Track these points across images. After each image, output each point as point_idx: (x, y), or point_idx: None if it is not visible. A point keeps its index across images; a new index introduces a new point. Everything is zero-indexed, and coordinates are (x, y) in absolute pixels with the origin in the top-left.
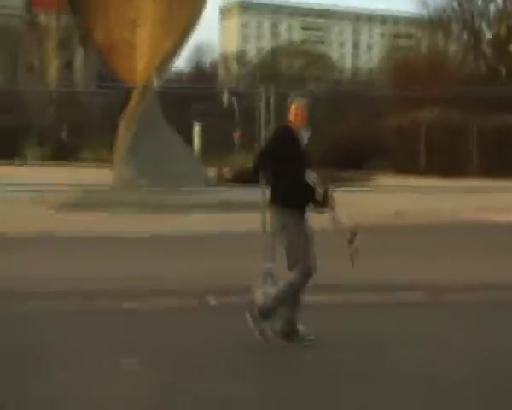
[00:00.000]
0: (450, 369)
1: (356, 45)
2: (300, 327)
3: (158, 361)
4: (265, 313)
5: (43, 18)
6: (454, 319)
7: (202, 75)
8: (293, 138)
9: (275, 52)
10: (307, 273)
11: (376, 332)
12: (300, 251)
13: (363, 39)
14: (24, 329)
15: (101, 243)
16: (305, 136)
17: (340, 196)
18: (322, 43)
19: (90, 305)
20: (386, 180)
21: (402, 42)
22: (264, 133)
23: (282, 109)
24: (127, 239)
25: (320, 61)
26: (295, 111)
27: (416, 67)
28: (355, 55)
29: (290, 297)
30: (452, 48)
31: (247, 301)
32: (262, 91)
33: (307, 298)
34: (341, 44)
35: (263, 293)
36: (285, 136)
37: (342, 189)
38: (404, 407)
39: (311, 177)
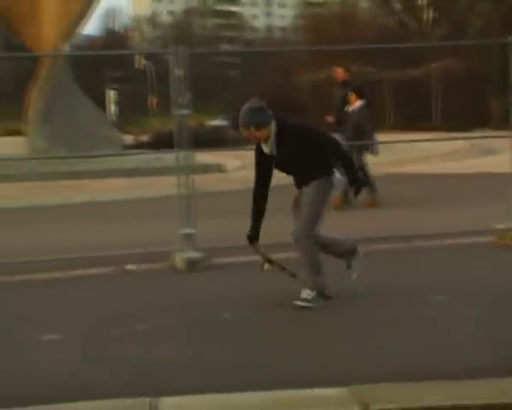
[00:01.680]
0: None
1: (269, 3)
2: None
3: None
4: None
5: None
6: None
7: (115, 40)
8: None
9: (188, 13)
10: None
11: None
12: None
13: None
14: None
15: (17, 215)
16: (265, 148)
17: None
18: (235, 2)
19: (12, 279)
20: None
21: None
22: (179, 97)
23: (195, 71)
24: (45, 209)
25: (233, 21)
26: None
27: (328, 24)
28: (268, 14)
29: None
30: (364, 4)
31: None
32: (173, 52)
33: None
34: (253, 3)
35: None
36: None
37: None
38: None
39: None
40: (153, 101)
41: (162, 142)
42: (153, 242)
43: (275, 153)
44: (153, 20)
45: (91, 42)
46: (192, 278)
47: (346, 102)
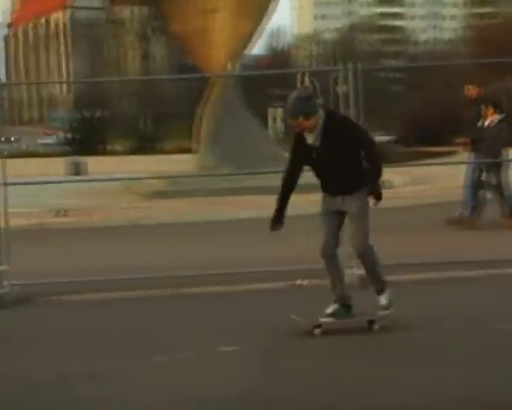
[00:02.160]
0: None
1: (436, 16)
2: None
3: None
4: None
5: (121, 11)
6: None
7: (278, 59)
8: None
9: (351, 29)
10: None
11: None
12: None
13: (444, 10)
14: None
15: (188, 230)
16: (309, 138)
17: (428, 171)
18: (400, 16)
19: (180, 291)
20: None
21: (483, 10)
22: (348, 111)
23: (364, 87)
24: (214, 224)
25: (398, 35)
26: None
27: (498, 35)
28: (435, 27)
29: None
30: None
31: None
32: (343, 69)
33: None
34: (420, 17)
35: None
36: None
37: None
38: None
39: None
40: None
41: None
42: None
43: (318, 143)
44: (316, 38)
45: (257, 61)
46: (364, 295)
47: (479, 117)
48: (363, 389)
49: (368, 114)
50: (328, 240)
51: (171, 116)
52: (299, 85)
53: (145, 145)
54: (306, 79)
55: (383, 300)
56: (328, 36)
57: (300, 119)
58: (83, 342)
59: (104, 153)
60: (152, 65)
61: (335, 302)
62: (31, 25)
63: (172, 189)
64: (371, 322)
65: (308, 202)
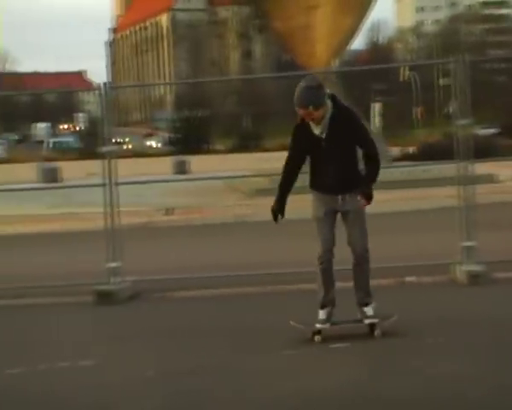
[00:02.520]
0: None
1: None
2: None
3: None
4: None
5: (221, 12)
6: None
7: (379, 53)
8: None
9: (453, 20)
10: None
11: None
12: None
13: None
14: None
15: (295, 226)
16: (315, 129)
17: None
18: (506, 4)
19: (286, 288)
20: None
21: None
22: (459, 105)
23: (472, 79)
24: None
25: (503, 24)
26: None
27: None
28: None
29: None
30: None
31: None
32: (455, 61)
33: None
34: None
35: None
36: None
37: None
38: None
39: None
40: (418, 112)
41: (429, 153)
42: (429, 254)
43: (325, 134)
44: (417, 31)
45: (357, 56)
46: (474, 293)
47: None
48: (472, 386)
49: (472, 106)
50: (327, 243)
51: (272, 114)
52: (401, 78)
53: (247, 143)
54: (407, 73)
55: (369, 311)
56: (429, 28)
57: (310, 109)
58: (190, 338)
59: (207, 152)
60: (253, 63)
61: (325, 307)
62: (135, 29)
63: (275, 186)
64: (372, 327)
65: (418, 197)
